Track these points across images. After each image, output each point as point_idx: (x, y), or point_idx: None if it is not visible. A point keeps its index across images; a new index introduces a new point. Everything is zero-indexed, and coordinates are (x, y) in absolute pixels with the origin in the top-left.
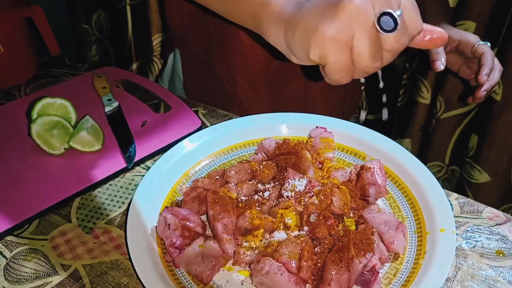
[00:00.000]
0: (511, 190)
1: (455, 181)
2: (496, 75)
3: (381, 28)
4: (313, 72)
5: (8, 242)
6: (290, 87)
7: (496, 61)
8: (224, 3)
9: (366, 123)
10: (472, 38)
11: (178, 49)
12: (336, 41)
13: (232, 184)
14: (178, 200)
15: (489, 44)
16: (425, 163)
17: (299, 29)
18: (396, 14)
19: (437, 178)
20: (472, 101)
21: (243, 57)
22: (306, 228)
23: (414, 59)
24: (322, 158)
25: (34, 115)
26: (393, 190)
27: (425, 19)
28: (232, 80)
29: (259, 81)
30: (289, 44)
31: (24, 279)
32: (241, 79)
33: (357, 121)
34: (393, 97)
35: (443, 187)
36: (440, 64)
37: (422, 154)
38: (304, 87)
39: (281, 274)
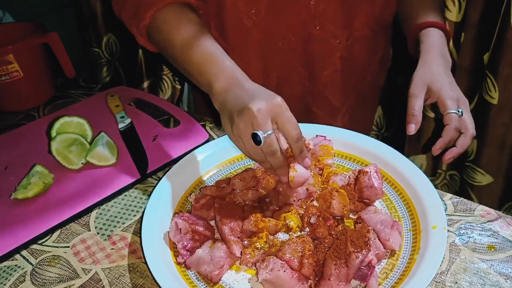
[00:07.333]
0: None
1: (455, 186)
2: (466, 141)
3: (254, 140)
4: None
5: (33, 250)
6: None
7: (470, 125)
8: (184, 71)
9: (383, 140)
10: (447, 101)
11: None
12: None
13: (238, 190)
14: (188, 207)
15: (460, 111)
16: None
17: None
18: (261, 135)
19: (437, 184)
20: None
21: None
22: (307, 229)
23: None
24: (322, 165)
25: (53, 133)
26: (390, 192)
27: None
28: None
29: None
30: None
31: (49, 282)
32: None
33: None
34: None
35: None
36: (412, 129)
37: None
38: (307, 111)
39: (285, 271)
